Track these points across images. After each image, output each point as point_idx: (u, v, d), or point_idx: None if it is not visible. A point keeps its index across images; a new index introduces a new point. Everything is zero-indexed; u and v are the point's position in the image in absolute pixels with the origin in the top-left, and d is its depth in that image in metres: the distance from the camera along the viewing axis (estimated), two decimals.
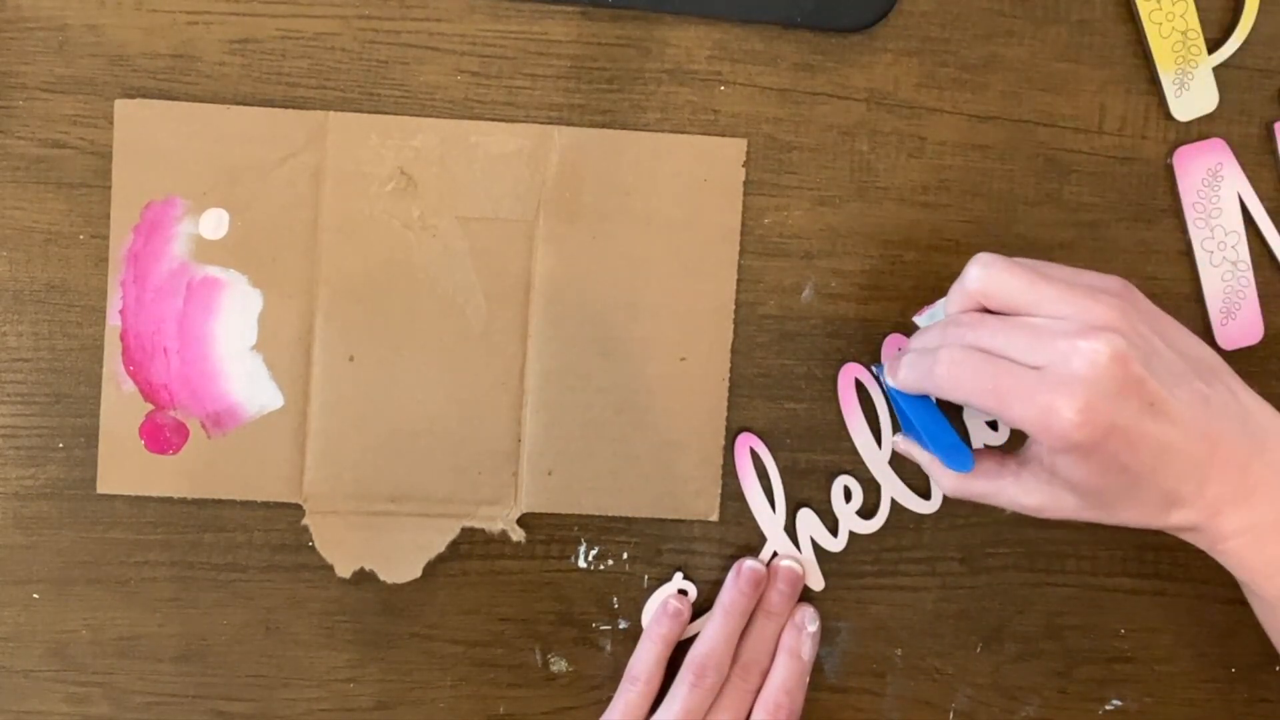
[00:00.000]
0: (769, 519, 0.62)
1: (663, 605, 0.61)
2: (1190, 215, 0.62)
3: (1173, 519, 0.52)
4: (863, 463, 0.62)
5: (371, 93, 0.60)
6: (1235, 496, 0.51)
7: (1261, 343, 0.63)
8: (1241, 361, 0.59)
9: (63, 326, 0.60)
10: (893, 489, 0.62)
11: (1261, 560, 0.52)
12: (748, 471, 0.62)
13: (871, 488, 0.62)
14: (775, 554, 0.62)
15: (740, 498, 0.62)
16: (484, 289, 0.60)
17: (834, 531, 0.62)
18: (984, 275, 0.52)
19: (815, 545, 0.62)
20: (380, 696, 0.62)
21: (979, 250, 0.53)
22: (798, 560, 0.62)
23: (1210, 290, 0.62)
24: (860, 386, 0.62)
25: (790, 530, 0.62)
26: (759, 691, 0.61)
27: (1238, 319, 0.62)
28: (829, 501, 0.62)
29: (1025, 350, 0.50)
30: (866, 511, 0.62)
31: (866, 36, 0.61)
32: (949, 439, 0.56)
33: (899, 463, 0.62)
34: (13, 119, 0.59)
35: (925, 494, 0.62)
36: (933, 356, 0.52)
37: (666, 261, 0.61)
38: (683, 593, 0.62)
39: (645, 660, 0.60)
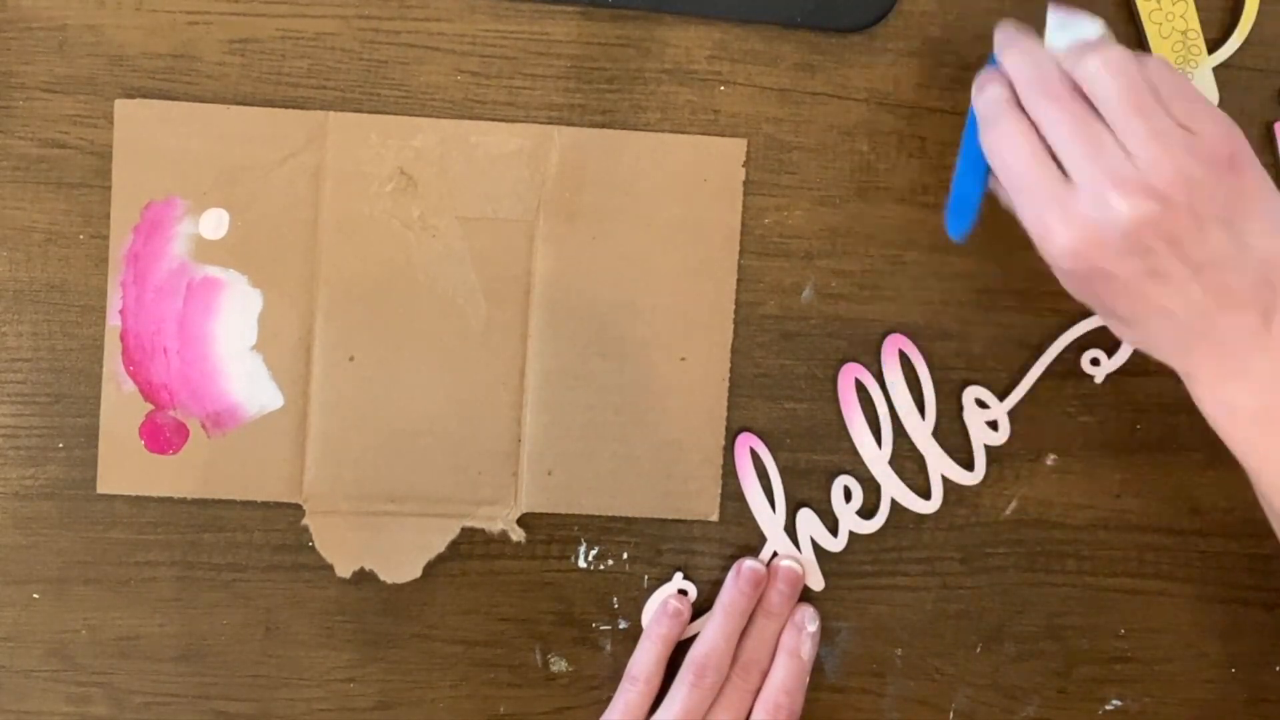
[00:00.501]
0: (769, 519, 0.62)
1: (663, 605, 0.61)
2: None
3: (1148, 351, 0.53)
4: (863, 463, 0.62)
5: (371, 93, 0.60)
6: (1219, 374, 0.51)
7: None
8: None
9: (63, 326, 0.60)
10: (893, 489, 0.62)
11: (1232, 433, 0.52)
12: (748, 471, 0.62)
13: (871, 488, 0.62)
14: (775, 554, 0.62)
15: (740, 498, 0.62)
16: (484, 289, 0.60)
17: (834, 531, 0.62)
18: (1098, 74, 0.50)
19: (815, 545, 0.62)
20: (380, 696, 0.62)
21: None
22: (797, 560, 0.62)
23: None
24: (860, 387, 0.62)
25: (790, 530, 0.62)
26: (759, 691, 0.61)
27: None
28: (829, 501, 0.62)
29: (1073, 160, 0.50)
30: (866, 511, 0.62)
31: (866, 36, 0.61)
32: (967, 190, 0.55)
33: (899, 463, 0.62)
34: (13, 119, 0.59)
35: (925, 494, 0.62)
36: (1001, 110, 0.52)
37: (666, 261, 0.61)
38: (683, 593, 0.62)
39: (645, 660, 0.60)
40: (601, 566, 0.62)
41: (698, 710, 0.59)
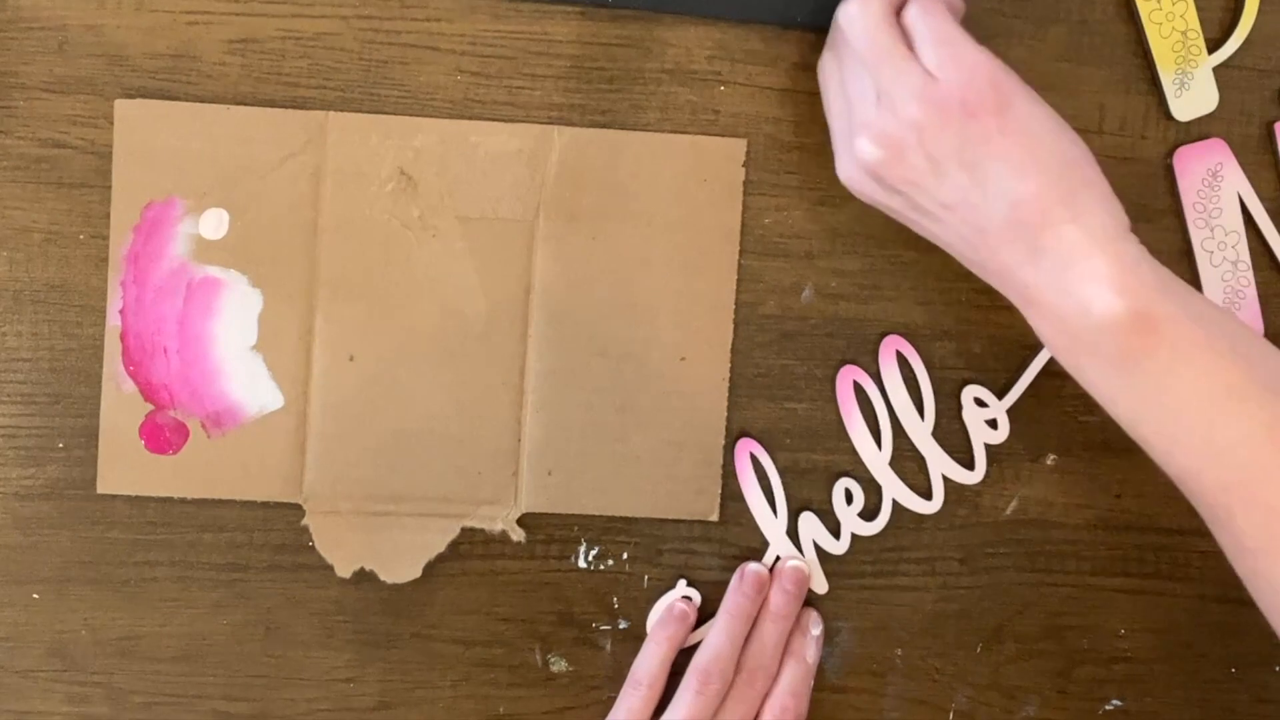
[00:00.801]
0: (771, 523, 0.62)
1: (668, 608, 0.61)
2: (1190, 215, 0.62)
3: None
4: (863, 463, 0.62)
5: (371, 93, 0.60)
6: (1023, 306, 0.53)
7: None
8: None
9: (63, 326, 0.60)
10: (894, 490, 0.62)
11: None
12: (748, 478, 0.62)
13: (872, 489, 0.62)
14: (778, 558, 0.62)
15: (740, 497, 0.62)
16: (484, 289, 0.60)
17: (836, 534, 0.62)
18: (844, 24, 0.54)
19: (818, 548, 0.62)
20: (380, 696, 0.62)
21: None
22: (803, 561, 0.62)
23: (1210, 290, 0.62)
24: (859, 389, 0.62)
25: (793, 534, 0.62)
26: (764, 696, 0.61)
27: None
28: (830, 503, 0.62)
29: (853, 98, 0.54)
30: (868, 513, 0.62)
31: None
32: None
33: (900, 463, 0.62)
34: (13, 119, 0.59)
35: (926, 494, 0.62)
36: (827, 44, 0.57)
37: (666, 261, 0.61)
38: (687, 598, 0.62)
39: (649, 664, 0.60)
40: (601, 566, 0.62)
41: (703, 716, 0.59)
